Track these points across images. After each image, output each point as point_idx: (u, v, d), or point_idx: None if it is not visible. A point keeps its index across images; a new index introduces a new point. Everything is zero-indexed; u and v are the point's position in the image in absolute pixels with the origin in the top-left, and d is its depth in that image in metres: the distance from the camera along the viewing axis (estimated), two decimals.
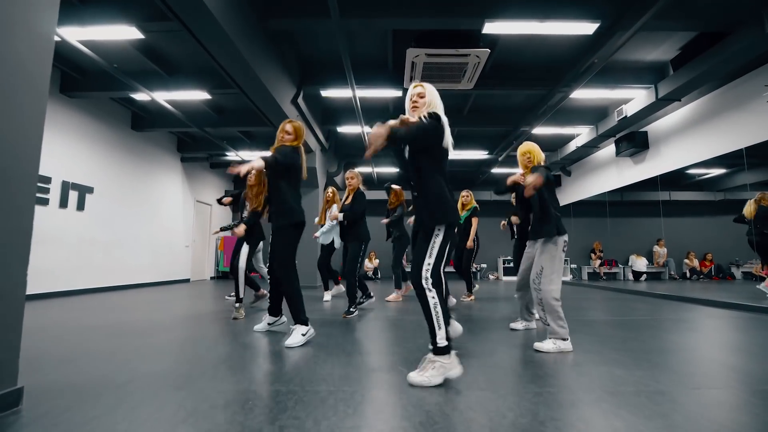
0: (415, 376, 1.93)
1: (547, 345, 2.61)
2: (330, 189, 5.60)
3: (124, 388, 1.84)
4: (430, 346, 2.00)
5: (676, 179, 9.72)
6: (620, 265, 11.90)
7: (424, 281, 2.00)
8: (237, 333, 3.23)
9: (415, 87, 2.23)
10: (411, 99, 2.21)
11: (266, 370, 2.17)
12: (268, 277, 3.13)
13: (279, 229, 2.91)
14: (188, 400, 1.70)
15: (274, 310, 3.23)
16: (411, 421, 1.50)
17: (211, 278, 11.45)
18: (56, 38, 4.48)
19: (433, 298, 1.99)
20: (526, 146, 3.10)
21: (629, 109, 6.48)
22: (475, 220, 5.39)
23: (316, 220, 6.01)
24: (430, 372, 1.92)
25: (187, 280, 10.05)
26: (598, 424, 1.48)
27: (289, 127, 3.03)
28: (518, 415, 1.55)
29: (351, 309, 4.14)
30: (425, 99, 2.18)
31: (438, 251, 2.04)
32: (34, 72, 1.74)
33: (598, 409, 1.62)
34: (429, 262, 2.03)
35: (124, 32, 4.50)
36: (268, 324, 3.24)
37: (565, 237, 2.79)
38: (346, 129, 7.98)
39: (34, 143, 1.73)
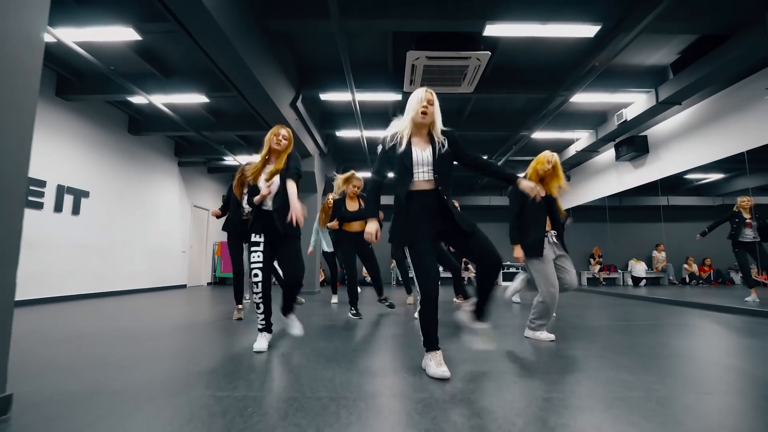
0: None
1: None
2: (330, 195, 5.53)
3: (117, 396, 1.77)
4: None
5: (675, 184, 9.70)
6: (619, 271, 11.86)
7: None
8: (234, 339, 3.15)
9: (426, 91, 2.21)
10: (421, 102, 2.18)
11: (265, 377, 2.10)
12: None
13: (299, 236, 2.85)
14: (185, 407, 1.63)
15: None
16: (417, 428, 1.43)
17: (208, 284, 11.35)
18: (51, 39, 4.47)
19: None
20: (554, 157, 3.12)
21: (629, 113, 6.47)
22: None
23: (315, 224, 5.99)
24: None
25: (184, 286, 9.95)
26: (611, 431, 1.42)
27: (285, 132, 2.96)
28: (527, 422, 1.49)
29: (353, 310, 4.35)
30: (434, 108, 2.20)
31: None
32: (23, 71, 1.68)
33: (609, 415, 1.56)
34: None
35: (121, 33, 4.46)
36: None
37: None
38: (345, 133, 7.93)
39: (24, 144, 1.67)
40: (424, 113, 2.17)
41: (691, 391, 1.84)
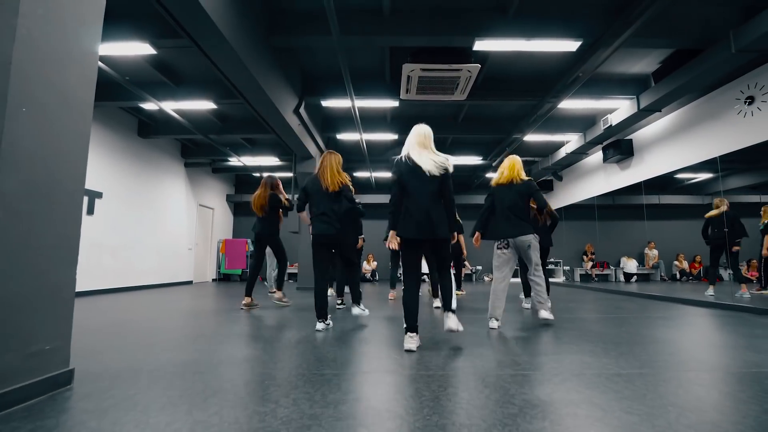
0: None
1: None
2: None
3: (154, 373, 2.13)
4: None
5: (666, 183, 10.03)
6: (612, 267, 12.21)
7: None
8: (246, 327, 3.52)
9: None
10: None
11: (277, 358, 2.46)
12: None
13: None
14: (212, 381, 1.99)
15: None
16: (403, 393, 1.80)
17: (213, 280, 11.73)
18: None
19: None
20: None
21: (614, 119, 6.81)
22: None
23: None
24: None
25: (190, 282, 10.33)
26: (560, 399, 1.78)
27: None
28: (492, 391, 1.85)
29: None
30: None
31: None
32: (81, 95, 2.02)
33: (563, 387, 1.92)
34: None
35: (137, 48, 4.80)
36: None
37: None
38: (345, 136, 8.28)
39: (81, 160, 2.02)
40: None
41: (647, 371, 2.21)
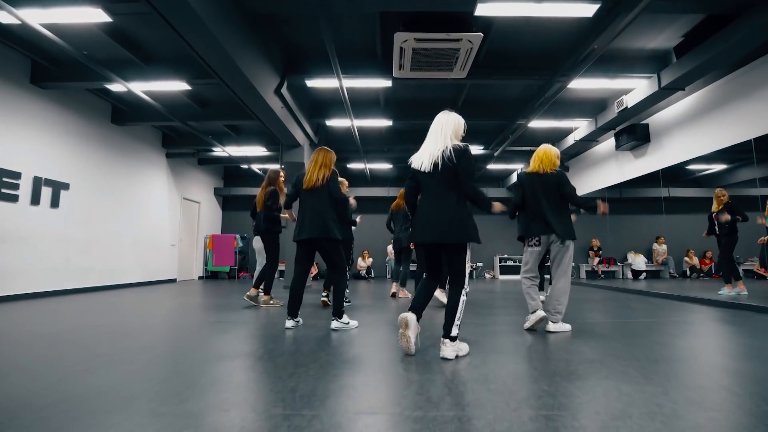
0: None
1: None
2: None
3: (40, 413, 1.54)
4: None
5: (676, 175, 9.45)
6: (619, 264, 11.64)
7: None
8: (220, 336, 2.93)
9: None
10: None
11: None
12: None
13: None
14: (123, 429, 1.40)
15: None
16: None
17: (200, 278, 11.14)
18: (15, 21, 4.20)
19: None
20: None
21: (630, 100, 6.19)
22: None
23: None
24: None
25: (174, 280, 9.74)
26: None
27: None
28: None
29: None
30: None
31: None
32: None
33: None
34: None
35: (89, 14, 4.18)
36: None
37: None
38: (335, 122, 7.66)
39: None
40: None
41: (697, 406, 1.62)
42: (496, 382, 1.95)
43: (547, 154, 3.35)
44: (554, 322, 3.24)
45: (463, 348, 2.46)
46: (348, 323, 3.34)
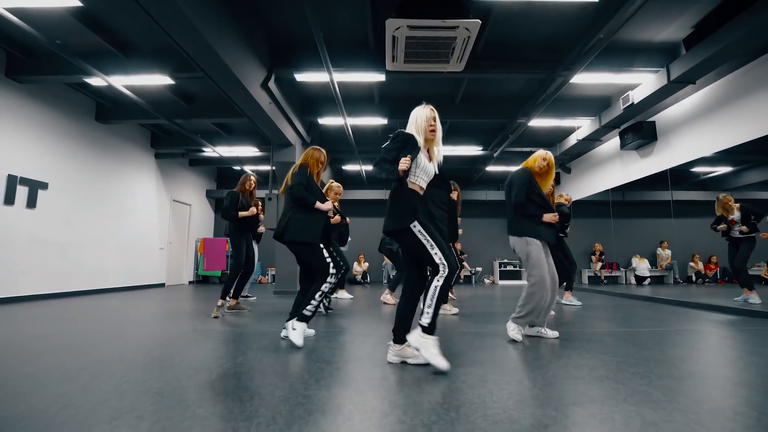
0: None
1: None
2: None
3: None
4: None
5: (680, 178, 9.15)
6: (622, 269, 11.31)
7: None
8: (203, 345, 2.60)
9: (425, 107, 2.40)
10: (428, 121, 2.37)
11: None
12: None
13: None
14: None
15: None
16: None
17: (190, 283, 10.80)
18: None
19: None
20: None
21: (636, 96, 5.88)
22: None
23: None
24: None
25: (162, 285, 9.40)
26: None
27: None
28: None
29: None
30: (438, 124, 2.42)
31: None
32: None
33: None
34: None
35: None
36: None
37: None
38: (328, 120, 7.35)
39: None
40: (432, 131, 2.39)
41: None
42: (494, 406, 1.62)
43: (533, 156, 3.31)
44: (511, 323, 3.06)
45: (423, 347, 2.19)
46: (301, 334, 2.72)
